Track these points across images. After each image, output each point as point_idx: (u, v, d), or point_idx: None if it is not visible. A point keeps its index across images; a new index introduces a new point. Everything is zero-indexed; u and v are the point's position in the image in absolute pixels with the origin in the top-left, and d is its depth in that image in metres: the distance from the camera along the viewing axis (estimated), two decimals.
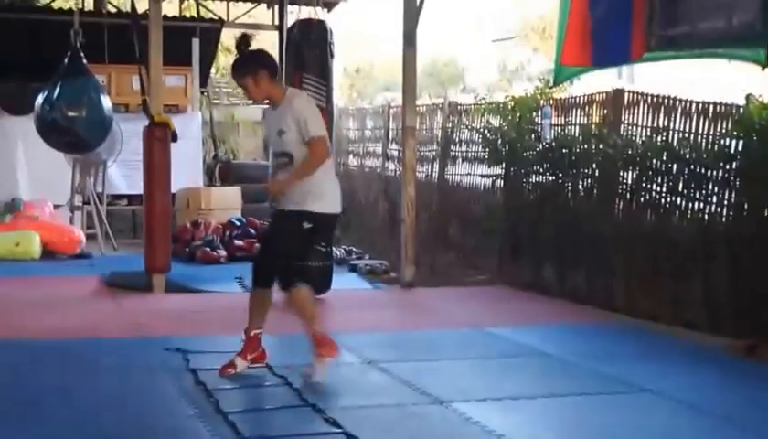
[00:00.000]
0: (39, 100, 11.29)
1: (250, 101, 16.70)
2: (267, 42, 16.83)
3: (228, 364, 5.93)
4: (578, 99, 10.22)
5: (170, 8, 15.10)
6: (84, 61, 11.30)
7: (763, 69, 7.61)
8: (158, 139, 9.59)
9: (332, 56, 9.42)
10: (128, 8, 12.95)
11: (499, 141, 10.83)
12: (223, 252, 12.14)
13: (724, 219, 8.05)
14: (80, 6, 12.45)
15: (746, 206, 7.84)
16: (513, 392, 5.74)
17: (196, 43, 15.27)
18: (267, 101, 6.26)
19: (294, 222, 5.85)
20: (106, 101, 11.58)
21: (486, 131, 11.23)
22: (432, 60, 24.47)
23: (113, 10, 14.49)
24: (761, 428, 5.23)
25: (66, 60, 11.17)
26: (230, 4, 16.24)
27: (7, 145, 14.09)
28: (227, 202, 14.06)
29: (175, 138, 9.84)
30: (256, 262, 6.18)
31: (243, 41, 6.11)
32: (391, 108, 14.75)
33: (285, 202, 5.93)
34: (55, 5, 15.52)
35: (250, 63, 5.99)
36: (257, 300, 6.08)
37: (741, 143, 7.92)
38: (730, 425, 5.28)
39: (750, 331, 7.32)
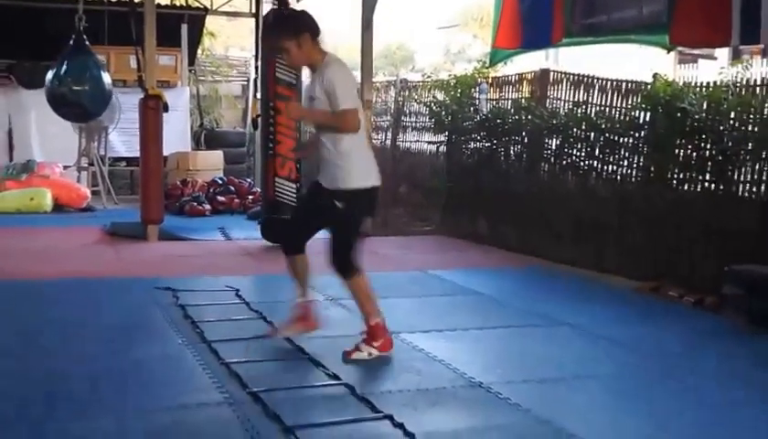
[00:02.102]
0: (49, 76, 11.19)
1: (243, 77, 17.03)
2: (245, 27, 16.73)
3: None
4: (510, 77, 10.25)
5: None
6: (87, 43, 11.15)
7: (668, 52, 7.66)
8: (152, 109, 9.56)
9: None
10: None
11: (443, 113, 10.85)
12: (208, 206, 12.23)
13: (634, 180, 8.15)
14: None
15: (652, 169, 7.91)
16: (451, 325, 5.78)
17: (184, 28, 15.33)
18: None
19: (332, 210, 4.81)
20: (106, 77, 11.46)
21: (432, 104, 11.24)
22: (386, 45, 24.45)
23: None
24: (660, 354, 5.35)
25: (71, 42, 11.03)
26: None
27: (22, 115, 14.10)
28: (211, 164, 14.14)
29: (166, 109, 9.85)
30: (286, 231, 5.39)
31: (282, 2, 5.33)
32: (356, 81, 14.66)
33: (323, 177, 4.92)
34: None
35: (294, 24, 4.86)
36: (297, 265, 5.15)
37: (648, 115, 7.98)
38: (635, 352, 5.38)
39: (654, 274, 7.42)
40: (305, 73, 5.34)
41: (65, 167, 13.17)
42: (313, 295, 5.27)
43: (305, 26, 4.81)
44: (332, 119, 4.76)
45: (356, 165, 4.80)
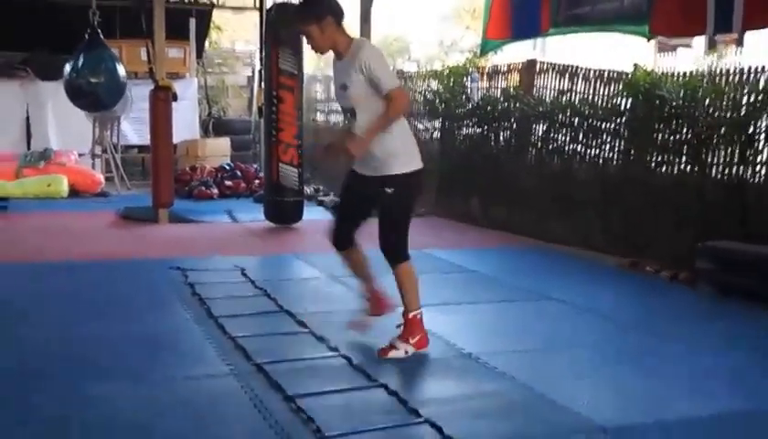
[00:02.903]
0: (67, 68, 11.20)
1: (248, 68, 17.05)
2: (250, 21, 16.71)
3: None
4: (500, 67, 10.22)
5: None
6: (101, 36, 11.17)
7: (648, 40, 7.68)
8: (162, 100, 9.56)
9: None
10: None
11: (437, 100, 10.85)
12: (215, 191, 12.28)
13: (615, 163, 8.20)
14: None
15: (632, 152, 7.98)
16: (445, 299, 5.81)
17: (192, 22, 15.25)
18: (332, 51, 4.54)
19: (382, 197, 4.42)
20: (121, 70, 11.47)
21: (427, 92, 11.22)
22: (384, 36, 24.35)
23: None
24: (638, 324, 5.41)
25: (86, 36, 11.05)
26: None
27: (39, 106, 14.05)
28: (218, 151, 14.18)
29: (175, 98, 9.91)
30: (335, 227, 4.74)
31: None
32: None
33: (363, 167, 4.50)
34: None
35: (316, 8, 4.38)
36: (352, 261, 4.79)
37: (629, 102, 8.03)
38: (615, 323, 5.44)
39: (633, 251, 7.49)
40: (333, 61, 4.56)
41: (80, 155, 13.15)
42: (378, 283, 4.84)
43: (328, 9, 4.37)
44: (387, 119, 4.31)
45: (402, 150, 4.43)
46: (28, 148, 13.52)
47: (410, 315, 4.49)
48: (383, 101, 4.29)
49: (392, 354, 4.42)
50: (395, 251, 4.48)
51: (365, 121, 4.34)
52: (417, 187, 4.61)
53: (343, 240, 4.69)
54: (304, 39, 4.45)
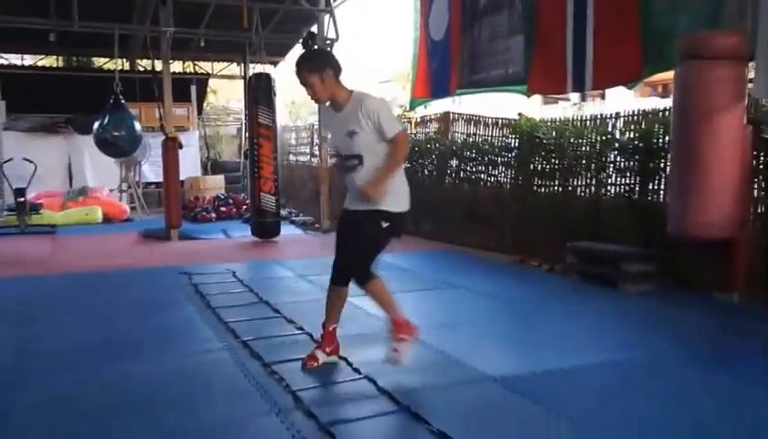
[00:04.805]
0: (95, 125, 11.22)
1: (237, 122, 17.16)
2: (238, 86, 16.76)
3: (310, 356, 3.93)
4: (425, 117, 10.35)
5: (177, 66, 14.91)
6: (123, 100, 11.18)
7: (528, 97, 7.90)
8: (171, 147, 9.64)
9: (274, 94, 9.40)
10: (151, 68, 13.07)
11: None
12: (213, 215, 12.30)
13: (508, 187, 8.28)
14: (120, 67, 12.39)
15: (520, 178, 8.08)
16: None
17: (193, 88, 15.28)
18: (329, 103, 3.88)
19: (372, 222, 3.73)
20: (137, 125, 11.50)
21: None
22: None
23: (141, 69, 14.24)
24: (524, 304, 5.50)
25: (111, 100, 11.06)
26: (214, 63, 16.07)
27: (78, 154, 14.08)
28: (215, 184, 14.17)
29: (181, 146, 10.00)
30: (336, 263, 3.92)
31: (310, 37, 3.89)
32: (314, 125, 14.72)
33: (357, 203, 3.81)
34: (105, 67, 15.32)
35: (318, 61, 3.76)
36: (335, 296, 3.98)
37: (516, 141, 8.15)
38: (508, 304, 5.52)
39: (521, 251, 7.62)
40: (322, 110, 3.96)
41: (110, 190, 13.10)
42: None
43: (328, 63, 3.76)
44: (395, 161, 3.72)
45: (398, 190, 3.80)
46: (70, 186, 13.48)
47: (395, 317, 3.87)
48: (387, 144, 3.70)
49: (401, 357, 3.76)
50: (359, 275, 3.79)
51: (372, 164, 3.71)
52: (402, 226, 3.92)
53: (342, 276, 3.89)
54: (306, 90, 3.79)
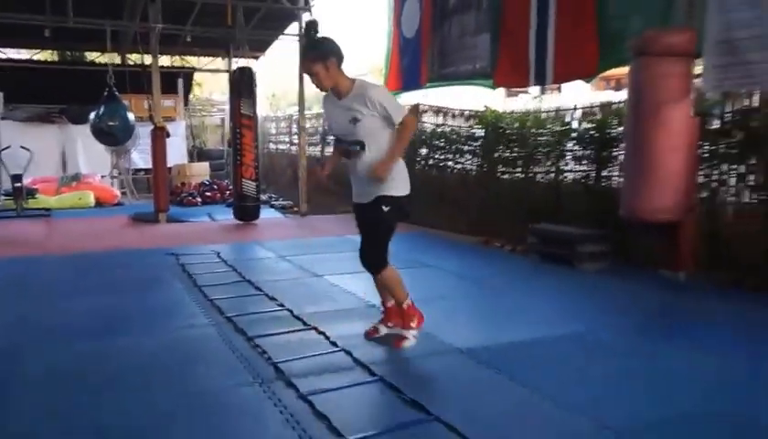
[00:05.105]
0: (91, 116, 11.01)
1: (221, 112, 16.94)
2: (222, 79, 16.53)
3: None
4: None
5: (164, 61, 14.63)
6: (116, 92, 10.96)
7: (494, 90, 7.90)
8: (160, 136, 9.45)
9: (255, 86, 9.28)
10: (140, 62, 12.93)
11: None
12: (199, 199, 12.09)
13: (474, 173, 8.31)
14: (113, 61, 12.17)
15: (485, 165, 8.11)
16: (357, 269, 5.43)
17: (180, 81, 15.00)
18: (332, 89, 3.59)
19: (376, 210, 3.58)
20: (131, 116, 11.29)
21: None
22: (314, 91, 24.14)
23: (131, 63, 13.98)
24: (489, 281, 5.49)
25: (105, 92, 10.86)
26: (200, 57, 15.83)
27: (71, 142, 13.68)
28: (200, 171, 13.93)
29: (168, 136, 9.81)
30: (361, 259, 3.72)
31: (312, 26, 3.55)
32: (293, 116, 14.63)
33: (361, 194, 3.67)
34: (97, 61, 15.08)
35: (323, 50, 3.50)
36: (379, 284, 3.83)
37: (482, 131, 8.16)
38: (474, 282, 5.51)
39: (485, 232, 7.60)
40: (324, 98, 3.71)
41: (102, 176, 12.84)
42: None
43: (332, 52, 3.50)
44: (403, 142, 3.55)
45: (398, 176, 3.60)
46: (64, 172, 13.20)
47: (405, 306, 3.75)
48: (390, 131, 3.53)
49: (405, 344, 3.69)
50: (377, 263, 3.66)
51: (375, 150, 3.54)
52: (406, 209, 3.72)
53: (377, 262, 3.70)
54: (308, 77, 3.55)
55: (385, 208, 3.55)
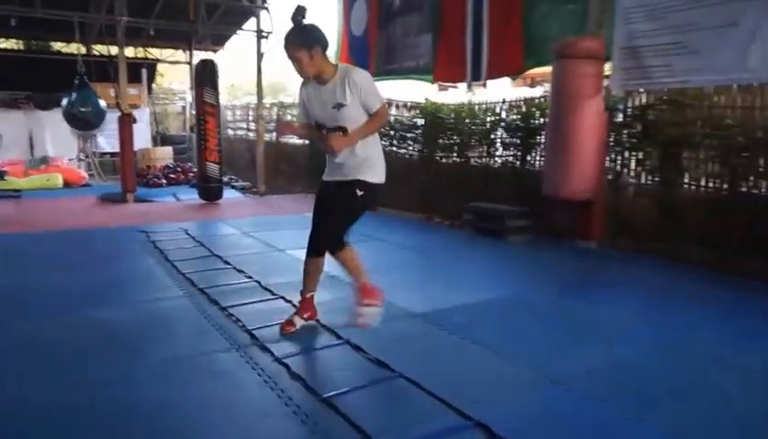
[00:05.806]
0: (64, 102, 10.54)
1: (182, 101, 16.35)
2: (183, 70, 15.92)
3: (287, 322, 3.40)
4: None
5: (129, 52, 13.94)
6: (87, 80, 10.48)
7: (433, 84, 7.90)
8: (126, 122, 9.06)
9: (217, 77, 8.99)
10: (106, 53, 12.35)
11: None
12: (164, 181, 11.71)
13: (416, 157, 8.29)
14: (81, 51, 11.55)
15: (425, 150, 8.10)
16: None
17: (144, 71, 14.45)
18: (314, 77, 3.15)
19: (348, 192, 3.18)
20: (102, 102, 10.82)
21: (296, 116, 11.00)
22: (270, 82, 23.73)
23: (97, 53, 13.31)
24: (430, 252, 5.50)
25: (76, 80, 10.39)
26: (162, 50, 15.20)
27: (39, 127, 13.04)
28: (164, 155, 13.52)
29: (135, 121, 9.34)
30: (312, 235, 3.34)
31: (300, 12, 3.06)
32: (250, 104, 14.28)
33: (335, 174, 3.25)
34: (63, 51, 14.28)
35: (307, 37, 3.05)
36: (313, 267, 3.40)
37: (423, 120, 8.15)
38: (420, 253, 5.52)
39: (427, 210, 7.67)
40: (305, 85, 3.23)
41: (69, 159, 12.29)
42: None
43: (317, 39, 3.07)
44: (372, 127, 3.16)
45: (375, 162, 3.23)
46: (32, 155, 12.54)
47: (361, 283, 3.34)
48: (368, 117, 3.14)
49: (366, 320, 3.27)
50: (333, 245, 3.28)
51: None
52: (377, 197, 3.34)
53: (319, 247, 3.35)
54: (293, 64, 3.09)
55: (359, 192, 3.17)
